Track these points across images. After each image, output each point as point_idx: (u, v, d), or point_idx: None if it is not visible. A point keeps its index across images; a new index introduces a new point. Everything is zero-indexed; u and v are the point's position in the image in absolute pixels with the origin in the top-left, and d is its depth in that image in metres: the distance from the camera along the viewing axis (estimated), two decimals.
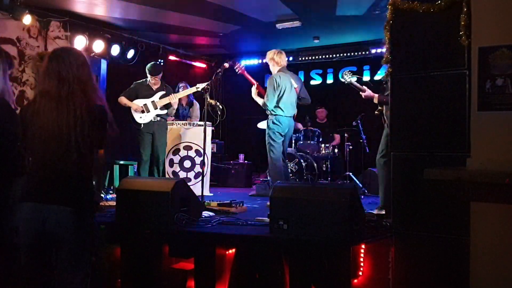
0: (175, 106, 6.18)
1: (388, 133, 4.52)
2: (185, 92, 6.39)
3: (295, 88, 5.44)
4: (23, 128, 2.39)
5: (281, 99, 5.29)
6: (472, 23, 2.71)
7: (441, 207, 3.00)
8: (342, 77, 5.00)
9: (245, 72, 5.96)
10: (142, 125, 5.90)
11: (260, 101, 5.46)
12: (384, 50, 3.33)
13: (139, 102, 5.94)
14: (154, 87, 6.02)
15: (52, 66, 2.39)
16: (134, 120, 5.94)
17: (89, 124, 2.37)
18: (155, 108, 5.94)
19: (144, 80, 6.09)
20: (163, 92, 6.01)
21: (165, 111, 6.02)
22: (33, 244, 2.33)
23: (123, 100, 5.96)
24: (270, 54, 5.52)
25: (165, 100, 5.97)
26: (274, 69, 5.51)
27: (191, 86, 6.42)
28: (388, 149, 3.38)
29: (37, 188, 2.34)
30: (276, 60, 5.46)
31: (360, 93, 4.81)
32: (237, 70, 5.96)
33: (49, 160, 2.32)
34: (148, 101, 5.95)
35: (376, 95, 4.60)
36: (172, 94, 6.06)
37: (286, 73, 5.45)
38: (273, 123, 5.31)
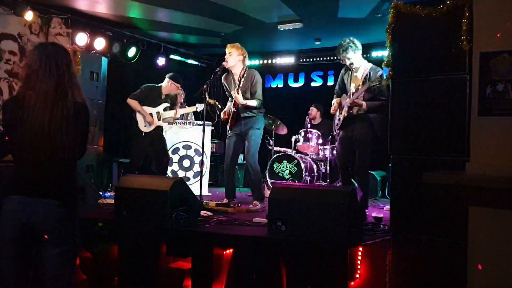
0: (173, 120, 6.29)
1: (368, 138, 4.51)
2: (187, 109, 6.44)
3: None
4: (10, 123, 2.36)
5: None
6: (474, 28, 2.72)
7: (439, 211, 3.00)
8: None
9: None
10: (143, 133, 5.86)
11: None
12: (385, 53, 3.34)
13: (147, 111, 5.90)
14: (163, 96, 6.01)
15: (50, 64, 2.38)
16: (137, 126, 5.86)
17: (74, 122, 2.39)
18: (159, 119, 5.92)
19: (156, 86, 6.00)
20: (167, 105, 6.02)
21: (165, 123, 6.08)
22: (16, 237, 2.33)
23: (136, 105, 5.80)
24: None
25: (169, 114, 6.00)
26: None
27: (186, 87, 6.51)
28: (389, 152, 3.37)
29: (24, 182, 2.36)
30: None
31: (352, 98, 4.68)
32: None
33: (37, 157, 2.34)
34: (154, 111, 5.89)
35: (364, 102, 4.51)
36: (177, 109, 6.11)
37: None
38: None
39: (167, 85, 5.96)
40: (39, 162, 2.34)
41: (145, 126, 5.85)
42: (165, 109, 5.98)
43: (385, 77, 4.42)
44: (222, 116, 5.30)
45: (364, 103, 4.52)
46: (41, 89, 2.35)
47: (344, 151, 4.71)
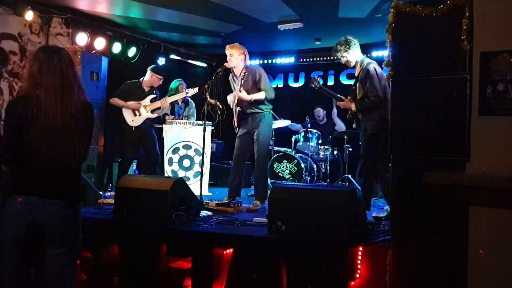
0: (165, 110, 6.23)
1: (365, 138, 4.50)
2: (175, 96, 6.39)
3: None
4: (19, 122, 2.34)
5: None
6: (474, 27, 2.71)
7: (440, 211, 3.00)
8: (312, 83, 4.95)
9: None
10: (133, 128, 5.87)
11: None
12: (385, 53, 3.33)
13: (133, 106, 5.89)
14: (146, 89, 5.99)
15: (53, 62, 2.40)
16: (125, 122, 5.88)
17: (82, 121, 2.42)
18: (146, 111, 5.92)
19: (136, 81, 6.03)
20: (153, 96, 6.00)
21: (155, 115, 6.03)
22: (20, 237, 2.33)
23: (118, 101, 5.86)
24: None
25: (156, 104, 5.97)
26: None
27: (187, 85, 6.53)
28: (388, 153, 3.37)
29: (30, 182, 2.35)
30: None
31: (338, 103, 4.76)
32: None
33: (48, 155, 2.33)
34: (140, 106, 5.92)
35: (353, 104, 4.55)
36: (164, 98, 6.09)
37: None
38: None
39: (149, 77, 5.97)
40: (49, 162, 2.34)
41: (132, 120, 5.87)
42: (152, 100, 5.96)
43: (385, 77, 4.42)
44: (228, 99, 5.29)
45: (352, 105, 4.54)
46: (48, 83, 2.36)
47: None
